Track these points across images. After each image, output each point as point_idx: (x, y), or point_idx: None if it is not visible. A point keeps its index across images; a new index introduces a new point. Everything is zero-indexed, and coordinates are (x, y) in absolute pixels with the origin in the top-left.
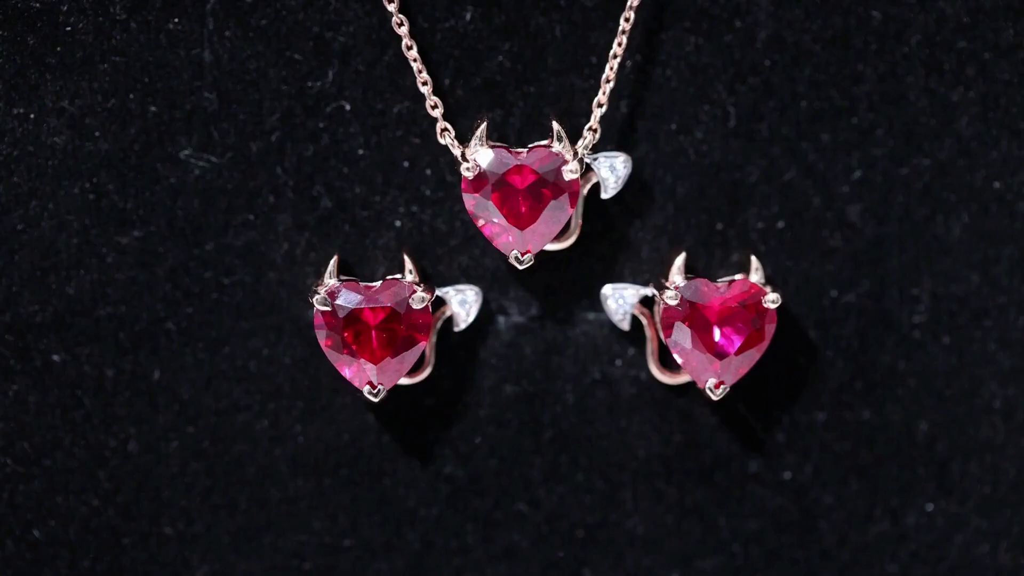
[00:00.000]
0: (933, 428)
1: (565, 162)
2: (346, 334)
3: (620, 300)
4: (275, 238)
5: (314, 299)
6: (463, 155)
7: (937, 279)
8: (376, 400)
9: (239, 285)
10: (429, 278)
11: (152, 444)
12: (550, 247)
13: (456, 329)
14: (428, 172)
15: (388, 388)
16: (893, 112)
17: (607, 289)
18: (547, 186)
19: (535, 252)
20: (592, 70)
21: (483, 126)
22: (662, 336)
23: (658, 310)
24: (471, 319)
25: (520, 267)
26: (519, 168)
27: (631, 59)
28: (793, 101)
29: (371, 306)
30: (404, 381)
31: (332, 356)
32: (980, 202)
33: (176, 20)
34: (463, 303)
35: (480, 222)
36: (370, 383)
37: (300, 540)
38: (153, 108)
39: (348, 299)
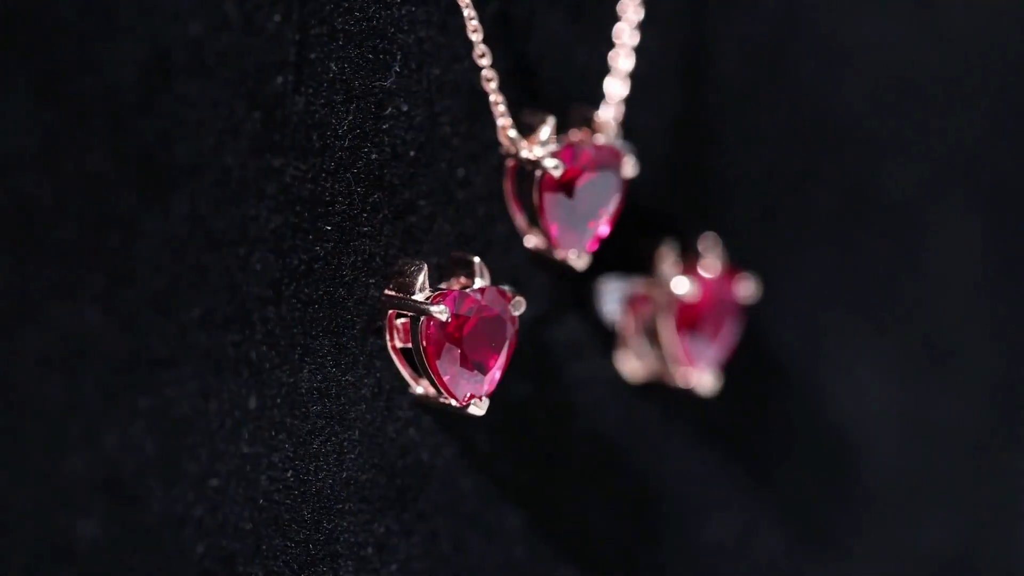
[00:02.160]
0: (801, 403)
1: (623, 156)
2: (460, 344)
3: (614, 294)
4: (345, 248)
5: (433, 309)
6: (535, 153)
7: (810, 259)
8: (482, 413)
9: (315, 301)
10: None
11: (247, 479)
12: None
13: None
14: (460, 173)
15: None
16: (794, 104)
17: (600, 283)
18: (612, 181)
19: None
20: (587, 66)
21: (552, 123)
22: (668, 329)
23: (653, 303)
24: None
25: (580, 266)
26: (592, 164)
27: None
28: (729, 93)
29: (480, 314)
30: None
31: (444, 369)
32: (848, 183)
33: (277, 18)
34: None
35: (553, 222)
36: (476, 395)
37: (351, 569)
38: (256, 114)
39: (459, 307)
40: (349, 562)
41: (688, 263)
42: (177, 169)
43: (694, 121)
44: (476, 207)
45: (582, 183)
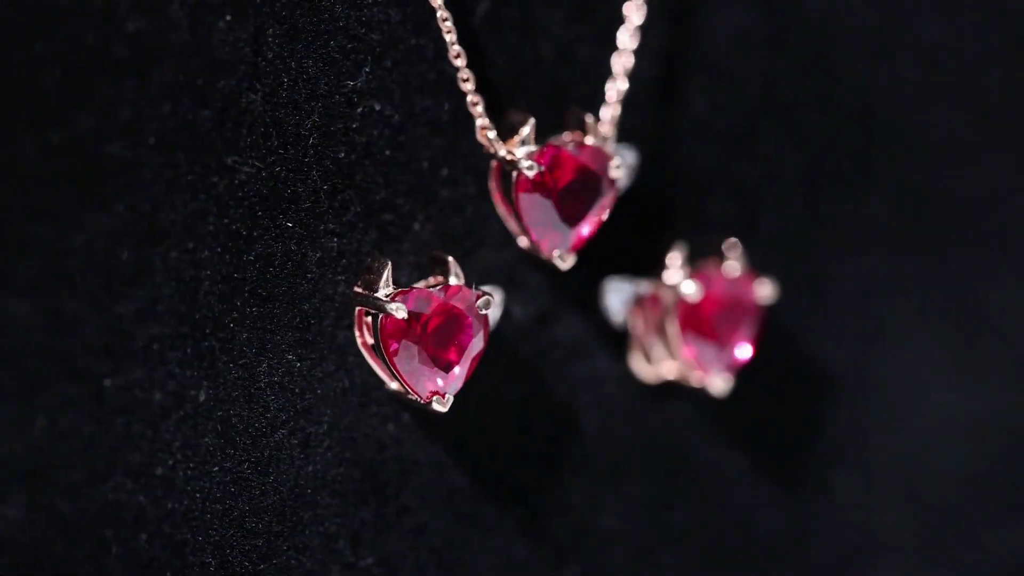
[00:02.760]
0: (851, 411)
1: (610, 158)
2: (420, 341)
3: (620, 295)
4: (310, 246)
5: (390, 306)
6: (512, 154)
7: (860, 260)
8: (444, 410)
9: (276, 296)
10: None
11: (197, 470)
12: None
13: None
14: (444, 172)
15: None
16: (827, 99)
17: (606, 284)
18: (595, 183)
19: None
20: (589, 65)
21: (532, 123)
22: (672, 331)
23: (662, 305)
24: (495, 322)
25: (563, 267)
26: (572, 166)
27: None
28: (752, 92)
29: (443, 312)
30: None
31: (403, 365)
32: (901, 184)
33: (228, 18)
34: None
35: (531, 222)
36: (439, 392)
37: (325, 560)
38: (206, 112)
39: (421, 305)
40: (318, 554)
41: (703, 265)
42: (114, 164)
43: (722, 122)
44: (465, 206)
45: (561, 184)
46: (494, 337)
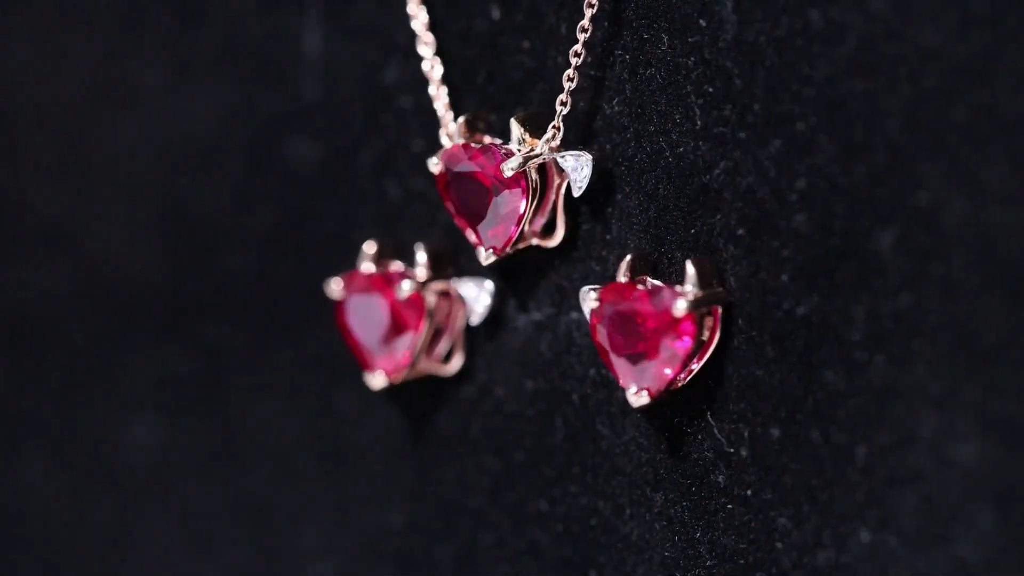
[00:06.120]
0: (870, 453)
1: (506, 157)
2: (346, 321)
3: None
4: (355, 228)
5: (326, 288)
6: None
7: (873, 295)
8: (375, 388)
9: (328, 269)
10: (444, 269)
11: (272, 421)
12: (542, 244)
13: (470, 323)
14: None
15: (390, 375)
16: (834, 118)
17: (584, 291)
18: (491, 182)
19: (499, 248)
20: (595, 69)
21: (460, 121)
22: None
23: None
24: (484, 313)
25: (483, 263)
26: (460, 164)
27: (623, 59)
28: (750, 104)
29: (367, 295)
30: (434, 371)
31: (350, 340)
32: (910, 216)
33: (279, 14)
34: (476, 297)
35: (457, 219)
36: (382, 370)
37: (389, 518)
38: (266, 100)
39: (353, 287)
40: (376, 510)
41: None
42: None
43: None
44: None
45: (453, 184)
46: (513, 331)
